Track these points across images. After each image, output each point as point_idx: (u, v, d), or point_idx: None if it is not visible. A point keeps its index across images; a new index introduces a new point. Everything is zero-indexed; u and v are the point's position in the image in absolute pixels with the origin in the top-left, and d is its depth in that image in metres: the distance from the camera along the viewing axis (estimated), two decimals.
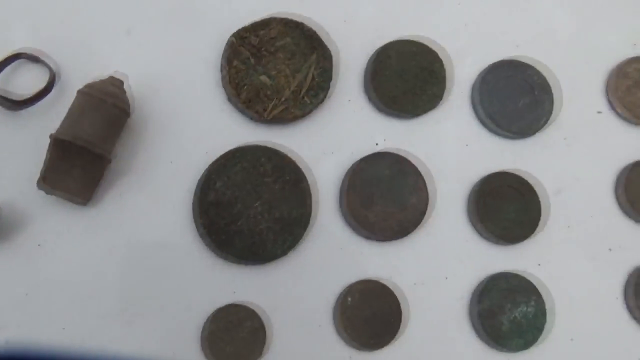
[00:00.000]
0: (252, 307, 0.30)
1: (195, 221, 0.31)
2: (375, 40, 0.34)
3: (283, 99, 0.32)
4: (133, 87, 0.31)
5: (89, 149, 0.28)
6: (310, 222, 0.31)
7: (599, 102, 0.35)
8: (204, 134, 0.32)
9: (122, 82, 0.30)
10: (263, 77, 0.32)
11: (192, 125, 0.32)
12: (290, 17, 0.33)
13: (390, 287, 0.31)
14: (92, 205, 0.30)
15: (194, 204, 0.31)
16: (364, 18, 0.34)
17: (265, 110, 0.32)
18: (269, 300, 0.30)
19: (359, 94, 0.33)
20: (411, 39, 0.34)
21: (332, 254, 0.31)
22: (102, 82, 0.30)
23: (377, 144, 0.33)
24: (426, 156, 0.33)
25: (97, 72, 0.31)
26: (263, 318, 0.30)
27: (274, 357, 0.30)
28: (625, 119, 0.34)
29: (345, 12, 0.34)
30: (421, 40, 0.34)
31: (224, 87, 0.32)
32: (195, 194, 0.31)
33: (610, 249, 0.32)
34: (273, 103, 0.32)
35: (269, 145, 0.32)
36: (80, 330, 0.29)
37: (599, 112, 0.34)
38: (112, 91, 0.29)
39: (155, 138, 0.32)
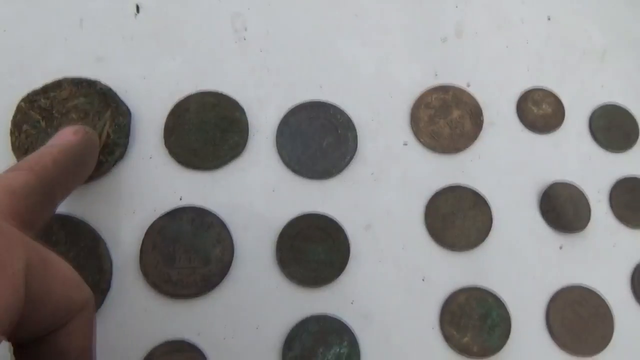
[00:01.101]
0: None
1: None
2: (175, 95, 0.34)
3: None
4: None
5: None
6: (112, 285, 0.30)
7: (404, 134, 0.35)
8: None
9: None
10: None
11: None
12: (84, 77, 0.33)
13: (198, 344, 0.30)
14: None
15: None
16: (163, 74, 0.34)
17: None
18: None
19: (161, 150, 0.33)
20: (210, 91, 0.33)
21: (135, 318, 0.30)
22: None
23: (180, 199, 0.32)
24: (232, 205, 0.32)
25: None
26: None
27: None
28: (429, 147, 0.35)
29: (143, 69, 0.34)
30: (222, 91, 0.33)
31: (14, 152, 0.31)
32: None
33: (423, 279, 0.32)
34: None
35: (61, 212, 0.30)
36: None
37: (405, 144, 0.35)
38: None
39: None
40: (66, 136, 0.28)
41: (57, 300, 0.21)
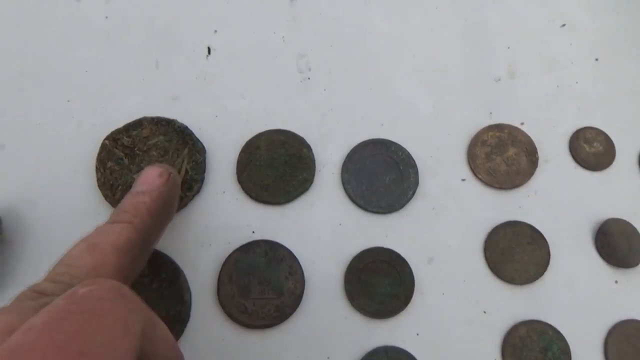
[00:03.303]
0: None
1: None
2: (245, 132, 0.36)
3: None
4: (8, 198, 0.32)
5: None
6: (191, 316, 0.32)
7: (462, 170, 0.37)
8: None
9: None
10: (137, 176, 0.33)
11: (70, 231, 0.32)
12: (162, 116, 0.35)
13: None
14: None
15: None
16: (233, 112, 0.36)
17: None
18: None
19: (233, 185, 0.35)
20: (278, 129, 0.35)
21: (214, 347, 0.32)
22: None
23: (253, 232, 0.34)
24: (301, 239, 0.34)
25: None
26: None
27: None
28: (487, 184, 0.36)
29: (215, 108, 0.36)
30: (289, 129, 0.35)
31: (100, 188, 0.33)
32: None
33: (485, 312, 0.34)
34: None
35: None
36: None
37: (463, 180, 0.36)
38: None
39: (33, 249, 0.32)
40: (153, 180, 0.29)
41: None
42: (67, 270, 0.22)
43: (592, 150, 0.37)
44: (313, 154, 0.35)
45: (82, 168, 0.34)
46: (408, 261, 0.34)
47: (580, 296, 0.34)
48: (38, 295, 0.21)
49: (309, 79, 0.38)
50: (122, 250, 0.24)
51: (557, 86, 0.39)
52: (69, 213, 0.33)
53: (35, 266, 0.32)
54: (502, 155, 0.37)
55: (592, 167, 0.37)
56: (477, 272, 0.35)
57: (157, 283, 0.31)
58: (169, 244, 0.33)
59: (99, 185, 0.33)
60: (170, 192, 0.29)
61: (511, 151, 0.37)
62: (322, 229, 0.34)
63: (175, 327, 0.31)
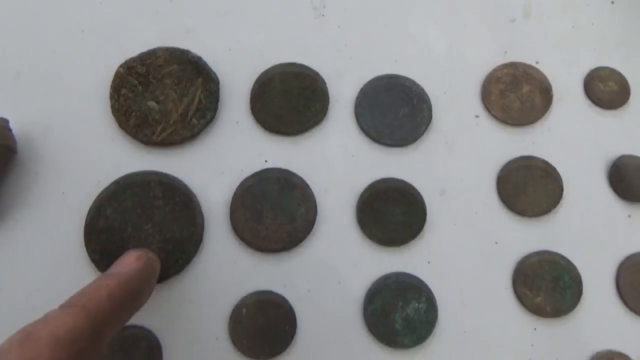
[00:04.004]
0: (147, 326, 0.30)
1: (87, 248, 0.31)
2: (259, 65, 0.36)
3: (171, 122, 0.33)
4: (23, 124, 0.33)
5: None
6: (203, 239, 0.32)
7: (476, 107, 0.37)
8: (96, 163, 0.33)
9: (6, 120, 0.31)
10: (151, 103, 0.33)
11: (84, 156, 0.33)
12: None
13: (284, 296, 0.31)
14: None
15: (84, 232, 0.31)
16: (247, 46, 0.36)
17: (154, 133, 0.33)
18: (165, 318, 0.31)
19: (246, 115, 0.35)
20: (293, 62, 0.35)
21: (226, 269, 0.32)
22: None
23: (266, 161, 0.34)
24: (314, 169, 0.34)
25: None
26: (158, 335, 0.30)
27: None
28: (501, 120, 0.36)
29: (229, 41, 0.36)
30: (303, 62, 0.36)
31: (114, 115, 0.33)
32: (86, 222, 0.31)
33: (496, 242, 0.34)
34: (161, 126, 0.33)
35: (159, 170, 0.33)
36: None
37: (477, 116, 0.36)
38: None
39: (47, 172, 0.33)
40: (129, 263, 0.27)
41: None
42: None
43: (606, 89, 0.37)
44: (327, 88, 0.35)
45: (96, 95, 0.34)
46: (420, 192, 0.34)
47: (592, 229, 0.34)
48: None
49: (323, 15, 0.38)
50: (62, 342, 0.21)
51: (573, 27, 0.39)
52: (83, 138, 0.33)
53: (49, 187, 0.33)
54: (516, 93, 0.37)
55: (607, 106, 0.37)
56: (489, 204, 0.35)
57: (171, 206, 0.32)
58: (183, 170, 0.33)
59: (113, 112, 0.33)
60: (142, 276, 0.27)
61: (525, 88, 0.37)
62: (335, 160, 0.34)
63: (189, 248, 0.32)
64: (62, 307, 0.23)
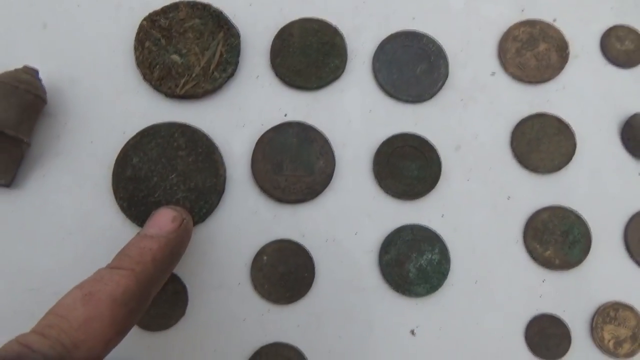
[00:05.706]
0: (174, 271, 0.31)
1: (116, 196, 0.32)
2: (279, 20, 0.36)
3: (194, 75, 0.34)
4: (51, 75, 0.33)
5: (3, 132, 0.30)
6: (225, 189, 0.33)
7: (492, 64, 0.37)
8: (122, 114, 0.34)
9: (36, 71, 0.32)
10: (174, 56, 0.34)
11: (110, 107, 0.34)
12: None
13: (303, 244, 0.33)
14: (15, 186, 0.32)
15: (112, 180, 0.33)
16: (267, 1, 0.36)
17: (177, 86, 0.34)
18: (189, 263, 0.32)
19: (267, 70, 0.36)
20: (312, 17, 0.36)
21: (247, 218, 0.33)
22: (15, 71, 0.32)
23: (285, 115, 0.35)
24: (332, 123, 0.35)
25: (13, 65, 0.32)
26: (184, 279, 0.32)
27: (196, 314, 0.32)
28: (516, 78, 0.37)
29: None
30: (322, 18, 0.36)
31: (138, 67, 0.34)
32: (113, 170, 0.33)
33: (509, 197, 0.35)
34: (184, 79, 0.34)
35: (182, 121, 0.34)
36: (7, 308, 0.31)
37: (493, 74, 0.37)
38: (25, 79, 0.31)
39: (75, 121, 0.34)
40: (165, 224, 0.28)
41: None
42: (57, 322, 0.21)
43: (623, 47, 0.38)
44: (345, 43, 0.36)
45: (121, 47, 0.35)
46: (435, 147, 0.35)
47: (603, 186, 0.35)
48: (23, 348, 0.20)
49: None
50: (119, 302, 0.23)
51: None
52: (109, 89, 0.34)
53: (77, 136, 0.34)
54: (532, 51, 0.37)
55: (623, 65, 0.38)
56: (502, 160, 0.35)
57: (194, 156, 0.33)
58: (205, 121, 0.34)
59: (137, 64, 0.34)
60: (180, 239, 0.28)
61: (542, 47, 0.37)
62: (353, 115, 0.35)
63: (211, 198, 0.33)
64: (112, 268, 0.25)
